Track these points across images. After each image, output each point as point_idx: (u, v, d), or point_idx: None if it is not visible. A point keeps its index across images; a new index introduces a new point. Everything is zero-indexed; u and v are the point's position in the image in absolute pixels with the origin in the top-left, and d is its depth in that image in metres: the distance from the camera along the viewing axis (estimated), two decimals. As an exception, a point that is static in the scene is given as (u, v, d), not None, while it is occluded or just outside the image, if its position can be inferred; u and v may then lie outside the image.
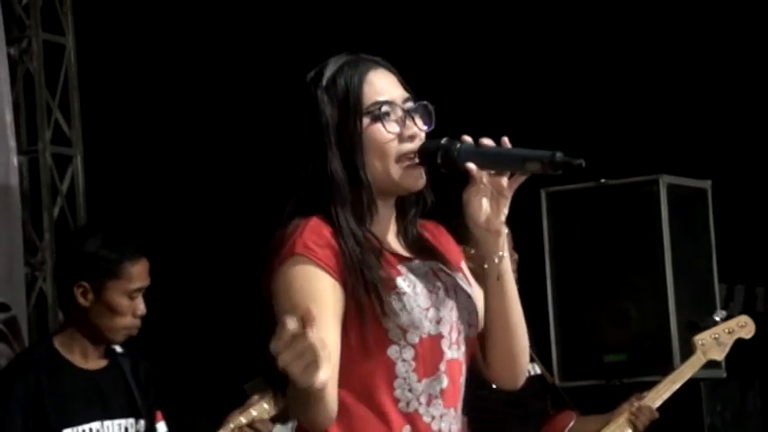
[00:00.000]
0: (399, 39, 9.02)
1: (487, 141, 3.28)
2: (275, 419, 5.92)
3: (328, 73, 3.30)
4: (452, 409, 3.33)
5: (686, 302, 7.74)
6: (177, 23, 10.10)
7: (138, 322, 5.03)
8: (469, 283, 3.45)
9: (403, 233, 3.39)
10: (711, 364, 6.56)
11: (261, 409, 5.13)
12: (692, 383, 6.57)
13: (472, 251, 3.85)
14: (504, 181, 3.26)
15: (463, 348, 3.35)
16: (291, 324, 2.70)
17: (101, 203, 9.39)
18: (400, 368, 3.23)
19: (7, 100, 8.92)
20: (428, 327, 3.24)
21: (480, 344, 3.43)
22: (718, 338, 6.31)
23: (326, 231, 3.22)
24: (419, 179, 3.31)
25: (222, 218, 10.12)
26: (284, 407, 5.35)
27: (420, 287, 3.27)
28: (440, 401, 3.29)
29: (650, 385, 6.33)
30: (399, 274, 3.27)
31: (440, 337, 3.26)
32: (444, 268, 3.38)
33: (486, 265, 3.33)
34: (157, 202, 10.09)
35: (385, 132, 3.28)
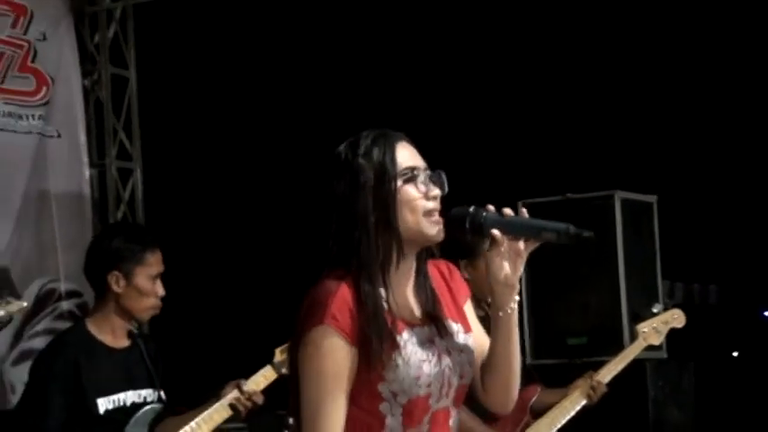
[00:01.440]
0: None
1: (509, 211, 3.24)
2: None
3: (364, 144, 3.26)
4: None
5: (635, 296, 7.75)
6: (222, 62, 10.09)
7: (159, 303, 5.01)
8: (468, 330, 3.37)
9: (416, 288, 3.31)
10: (655, 348, 6.51)
11: (257, 379, 5.11)
12: (638, 363, 6.58)
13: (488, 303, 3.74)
14: (521, 245, 3.21)
15: (453, 396, 3.28)
16: None
17: (155, 208, 9.41)
18: (390, 421, 3.18)
19: (82, 123, 9.01)
20: (416, 390, 3.18)
21: (481, 374, 3.37)
22: (656, 327, 6.28)
23: (351, 298, 3.16)
24: (441, 232, 3.26)
25: (247, 223, 10.11)
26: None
27: (417, 356, 3.20)
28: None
29: (605, 364, 6.28)
30: (400, 345, 3.19)
31: (428, 396, 3.20)
32: (443, 328, 3.30)
33: (500, 313, 3.26)
34: (200, 206, 10.10)
35: (416, 191, 3.23)
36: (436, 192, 3.25)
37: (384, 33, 10.15)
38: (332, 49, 10.15)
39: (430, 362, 3.20)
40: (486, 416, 5.28)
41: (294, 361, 3.18)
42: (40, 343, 8.46)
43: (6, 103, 8.42)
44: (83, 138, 8.98)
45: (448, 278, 3.42)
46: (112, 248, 4.93)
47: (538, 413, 6.01)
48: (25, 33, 8.59)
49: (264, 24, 10.11)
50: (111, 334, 4.95)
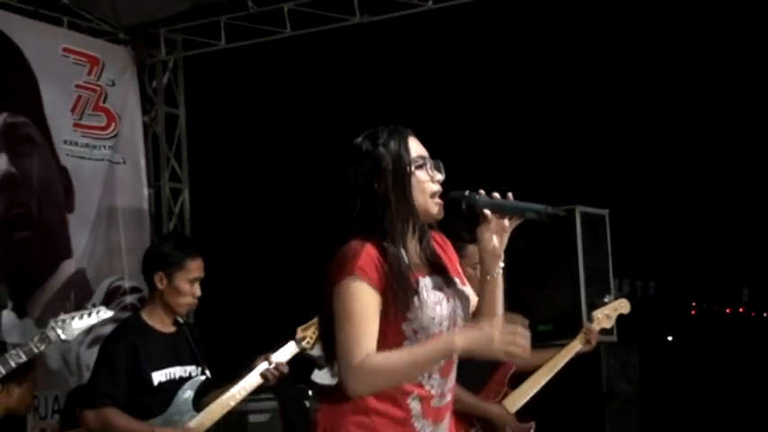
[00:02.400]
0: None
1: (497, 195, 3.30)
2: (316, 366, 5.89)
3: (383, 136, 3.31)
4: (445, 379, 3.30)
5: (592, 291, 7.73)
6: (254, 105, 10.17)
7: (195, 301, 5.03)
8: (464, 283, 3.41)
9: (422, 250, 3.35)
10: (607, 332, 6.52)
11: (282, 353, 5.12)
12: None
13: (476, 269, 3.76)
14: (506, 222, 3.28)
15: None
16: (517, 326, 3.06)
17: (200, 221, 9.45)
18: None
19: (142, 152, 9.05)
20: (433, 328, 3.21)
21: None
22: (608, 314, 6.27)
23: (376, 255, 3.19)
24: (441, 212, 3.33)
25: (271, 231, 10.14)
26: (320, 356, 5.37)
27: (432, 299, 3.24)
28: (437, 374, 3.26)
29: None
30: (418, 290, 3.23)
31: (440, 333, 3.22)
32: (449, 279, 3.35)
33: (487, 277, 3.31)
34: (235, 218, 10.16)
35: (427, 176, 3.31)
36: (440, 176, 3.32)
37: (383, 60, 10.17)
38: (348, 76, 10.16)
39: (441, 304, 3.25)
40: (472, 387, 5.31)
41: (328, 310, 3.17)
42: (108, 330, 8.48)
43: (84, 136, 8.49)
44: (143, 164, 9.02)
45: (443, 245, 3.46)
46: (161, 253, 5.00)
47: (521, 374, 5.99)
48: (98, 80, 8.64)
49: (288, 66, 10.19)
50: (160, 321, 5.01)
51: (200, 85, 9.59)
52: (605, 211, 8.11)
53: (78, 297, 8.23)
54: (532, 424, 5.94)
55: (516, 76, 9.81)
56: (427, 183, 3.31)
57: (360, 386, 3.12)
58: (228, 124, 10.31)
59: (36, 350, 4.21)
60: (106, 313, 4.38)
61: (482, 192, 3.32)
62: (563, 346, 6.35)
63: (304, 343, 5.18)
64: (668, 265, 13.96)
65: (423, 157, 3.32)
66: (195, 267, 4.98)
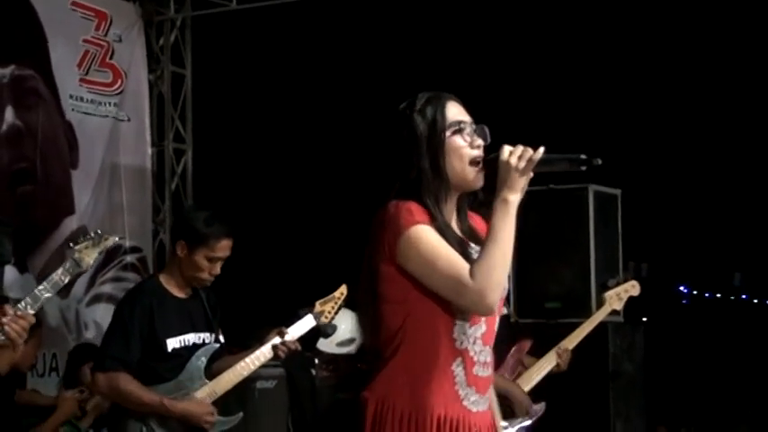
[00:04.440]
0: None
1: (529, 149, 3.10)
2: (322, 334, 5.74)
3: (420, 102, 3.18)
4: (488, 347, 3.17)
5: (601, 270, 7.65)
6: (261, 67, 10.01)
7: (210, 279, 4.84)
8: None
9: (459, 222, 3.22)
10: (614, 313, 6.45)
11: (300, 325, 5.02)
12: (601, 326, 6.45)
13: None
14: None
15: (498, 303, 3.15)
16: None
17: (202, 182, 9.30)
18: (459, 318, 3.08)
19: (146, 111, 8.93)
20: None
21: None
22: (619, 295, 6.24)
23: (424, 212, 3.08)
24: (481, 179, 3.15)
25: (281, 192, 10.03)
26: (325, 324, 5.25)
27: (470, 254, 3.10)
28: (480, 341, 3.13)
29: (574, 325, 6.24)
30: (468, 250, 3.10)
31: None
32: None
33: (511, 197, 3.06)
34: (239, 179, 10.05)
35: (462, 141, 3.15)
36: (480, 142, 3.16)
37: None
38: (360, 47, 10.03)
39: None
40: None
41: (373, 268, 3.07)
42: (107, 288, 8.41)
43: (89, 92, 8.36)
44: (147, 122, 8.90)
45: (479, 224, 3.27)
46: (190, 223, 4.81)
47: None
48: (105, 35, 8.52)
49: (297, 31, 10.03)
50: (177, 286, 4.85)
51: (207, 46, 9.40)
52: (618, 191, 7.98)
53: (81, 254, 8.06)
54: (543, 405, 5.89)
55: (532, 51, 9.68)
56: (465, 149, 3.14)
57: (488, 296, 2.97)
58: (235, 87, 10.14)
59: (61, 283, 4.07)
60: (113, 238, 4.21)
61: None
62: (571, 324, 6.29)
63: (322, 318, 5.06)
64: (661, 247, 13.91)
65: (459, 122, 3.17)
66: (219, 248, 4.80)
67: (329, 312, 5.13)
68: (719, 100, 11.69)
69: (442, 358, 3.07)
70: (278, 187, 10.24)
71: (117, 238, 4.49)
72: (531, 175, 3.08)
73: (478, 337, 3.12)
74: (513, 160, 3.03)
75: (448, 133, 3.14)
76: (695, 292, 16.44)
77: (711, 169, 12.93)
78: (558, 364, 5.99)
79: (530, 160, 3.03)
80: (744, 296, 16.17)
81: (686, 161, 12.50)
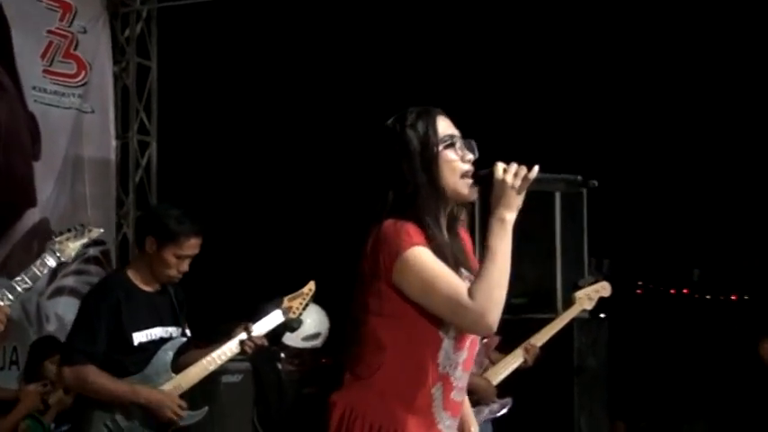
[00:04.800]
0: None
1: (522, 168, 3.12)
2: (288, 328, 5.70)
3: (411, 117, 3.18)
4: (466, 373, 3.21)
5: (567, 266, 7.66)
6: (227, 59, 9.95)
7: (179, 276, 4.83)
8: None
9: (450, 238, 3.20)
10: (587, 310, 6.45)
11: (267, 321, 5.01)
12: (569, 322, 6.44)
13: None
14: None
15: None
16: None
17: (167, 175, 9.22)
18: (446, 343, 3.10)
19: (111, 103, 8.85)
20: None
21: None
22: (589, 295, 6.25)
23: (421, 233, 3.07)
24: (475, 193, 3.17)
25: (247, 183, 9.98)
26: (291, 319, 5.22)
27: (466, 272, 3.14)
28: (461, 367, 3.16)
29: (540, 321, 6.24)
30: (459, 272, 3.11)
31: None
32: (470, 272, 3.18)
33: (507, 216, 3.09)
34: (203, 173, 10.00)
35: (454, 155, 3.16)
36: (470, 156, 3.17)
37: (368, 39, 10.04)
38: (331, 41, 9.98)
39: None
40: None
41: (397, 290, 3.04)
42: (70, 281, 8.31)
43: (53, 83, 8.25)
44: (111, 114, 8.81)
45: (465, 239, 3.29)
46: (160, 219, 4.78)
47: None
48: (70, 26, 8.42)
49: (265, 23, 9.96)
50: (145, 281, 4.82)
51: (173, 38, 9.29)
52: (584, 188, 7.93)
53: (41, 247, 7.85)
54: (509, 400, 5.90)
55: (500, 55, 9.69)
56: (456, 162, 3.15)
57: (489, 316, 2.98)
58: (201, 80, 10.04)
59: (40, 274, 4.03)
60: (97, 230, 4.15)
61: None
62: (536, 320, 6.29)
63: (290, 313, 5.04)
64: (621, 243, 13.99)
65: (451, 136, 3.18)
66: (188, 246, 4.78)
67: (297, 308, 5.14)
68: (680, 100, 11.77)
69: (423, 380, 3.10)
70: (244, 180, 10.18)
71: (101, 230, 4.45)
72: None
73: (460, 363, 3.15)
74: (509, 178, 3.05)
75: (440, 147, 3.14)
76: (653, 289, 16.56)
77: (673, 166, 13.01)
78: (525, 360, 5.97)
79: (525, 179, 3.05)
80: (702, 292, 16.31)
81: (649, 157, 12.57)
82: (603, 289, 6.31)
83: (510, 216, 3.04)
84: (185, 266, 4.80)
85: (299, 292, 5.17)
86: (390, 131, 3.18)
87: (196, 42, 9.93)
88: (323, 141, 10.21)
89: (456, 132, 3.19)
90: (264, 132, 10.32)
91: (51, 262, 4.22)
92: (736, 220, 13.64)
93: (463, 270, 3.13)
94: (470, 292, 2.96)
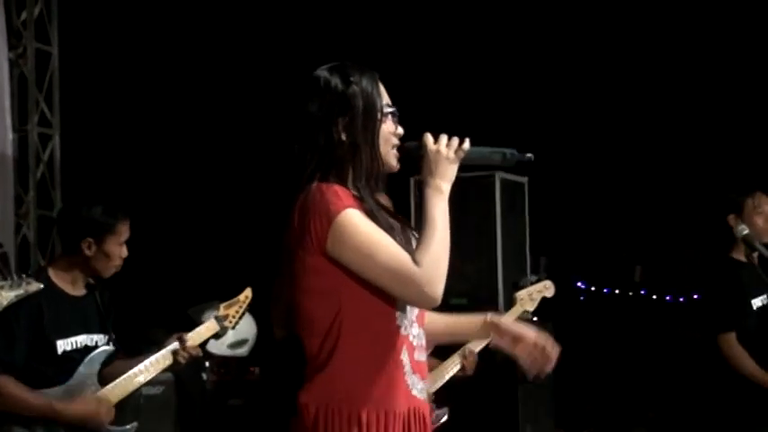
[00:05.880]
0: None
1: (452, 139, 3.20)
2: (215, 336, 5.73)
3: (354, 73, 3.17)
4: (422, 329, 3.21)
5: (508, 263, 7.74)
6: (135, 42, 9.89)
7: (122, 263, 4.92)
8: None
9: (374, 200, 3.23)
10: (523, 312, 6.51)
11: (200, 330, 5.03)
12: (509, 323, 6.52)
13: None
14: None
15: None
16: None
17: (71, 170, 9.15)
18: (399, 303, 3.10)
19: (7, 92, 8.72)
20: None
21: None
22: (531, 295, 6.24)
23: (350, 194, 3.09)
24: (398, 165, 3.22)
25: (159, 182, 9.94)
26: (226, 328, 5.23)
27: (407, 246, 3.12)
28: (416, 323, 3.17)
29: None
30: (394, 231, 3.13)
31: None
32: (403, 224, 3.23)
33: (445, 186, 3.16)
34: (110, 168, 9.95)
35: (393, 126, 3.21)
36: (401, 130, 3.23)
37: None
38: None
39: (411, 244, 3.14)
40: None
41: (331, 259, 3.03)
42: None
43: (-60, 71, 8.15)
44: (7, 104, 8.67)
45: (387, 202, 3.33)
46: (90, 218, 4.83)
47: None
48: (-43, 8, 8.32)
49: (176, 5, 9.93)
50: (71, 284, 4.86)
51: (77, 21, 9.21)
52: (524, 179, 8.09)
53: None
54: (446, 410, 5.94)
55: (443, 37, 9.77)
56: (392, 134, 3.21)
57: (435, 285, 3.01)
58: (108, 66, 9.98)
59: None
60: (37, 285, 4.15)
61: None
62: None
63: (226, 322, 5.06)
64: (558, 239, 14.16)
65: (390, 106, 3.22)
66: (125, 230, 4.90)
67: (233, 317, 5.14)
68: (623, 93, 11.98)
69: (390, 348, 3.08)
70: (157, 175, 10.13)
71: (41, 286, 4.42)
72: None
73: (414, 320, 3.15)
74: (443, 148, 3.12)
75: (383, 114, 3.18)
76: (593, 288, 16.77)
77: (614, 161, 13.22)
78: (462, 367, 5.98)
79: (459, 150, 3.14)
80: (643, 291, 16.55)
81: (591, 149, 12.76)
82: (546, 289, 6.29)
83: (446, 186, 3.10)
84: (125, 251, 4.89)
85: (235, 299, 5.17)
86: (326, 83, 3.16)
87: (102, 26, 9.86)
88: (245, 128, 10.20)
89: (390, 101, 3.23)
90: (178, 120, 10.28)
91: None
92: (677, 214, 13.89)
93: (396, 230, 3.13)
94: (416, 260, 2.98)
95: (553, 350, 3.26)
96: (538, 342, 3.28)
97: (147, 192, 9.89)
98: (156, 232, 9.18)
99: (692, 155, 12.68)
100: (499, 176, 7.74)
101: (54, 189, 9.02)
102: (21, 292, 4.12)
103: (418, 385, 3.15)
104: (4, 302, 4.07)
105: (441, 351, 6.11)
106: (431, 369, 5.96)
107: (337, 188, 3.06)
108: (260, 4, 9.91)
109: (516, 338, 3.32)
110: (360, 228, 3.02)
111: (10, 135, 8.72)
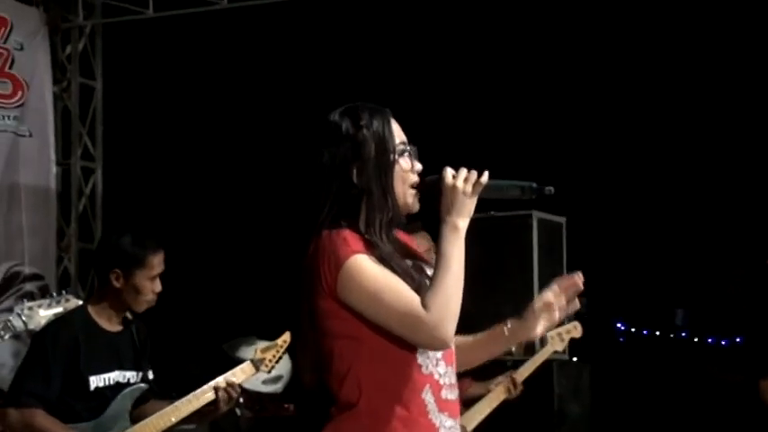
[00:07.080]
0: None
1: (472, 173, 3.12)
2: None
3: (365, 115, 3.12)
4: (451, 367, 3.15)
5: (545, 305, 7.65)
6: (176, 78, 9.96)
7: (155, 297, 4.84)
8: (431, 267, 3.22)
9: (390, 241, 3.16)
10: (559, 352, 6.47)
11: (236, 372, 4.95)
12: (546, 364, 6.46)
13: None
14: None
15: None
16: None
17: (112, 204, 9.22)
18: (420, 355, 3.06)
19: (51, 125, 8.82)
20: None
21: None
22: (561, 335, 6.24)
23: (359, 240, 3.04)
24: (417, 204, 3.18)
25: (201, 218, 9.97)
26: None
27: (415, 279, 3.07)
28: (443, 362, 3.11)
29: (515, 362, 6.28)
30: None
31: None
32: (421, 264, 3.18)
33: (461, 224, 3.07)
34: (154, 204, 9.99)
35: (409, 165, 3.15)
36: (419, 166, 3.17)
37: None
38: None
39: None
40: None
41: (343, 304, 3.00)
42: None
43: (-14, 104, 8.25)
44: (51, 138, 8.79)
45: (408, 240, 3.29)
46: (119, 249, 4.76)
47: (464, 403, 5.97)
48: (5, 42, 8.42)
49: (216, 41, 9.98)
50: (108, 320, 4.80)
51: (120, 55, 9.28)
52: (563, 219, 8.02)
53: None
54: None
55: (475, 70, 9.75)
56: (408, 173, 3.15)
57: (445, 328, 2.96)
58: (150, 100, 10.05)
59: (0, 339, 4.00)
60: (76, 302, 4.12)
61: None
62: (514, 361, 6.32)
63: (262, 366, 4.99)
64: (597, 280, 14.06)
65: (404, 143, 3.17)
66: (157, 263, 4.79)
67: (270, 361, 5.02)
68: (666, 134, 11.92)
69: (410, 389, 3.05)
70: (199, 209, 10.15)
71: (80, 302, 4.38)
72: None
73: (440, 359, 3.10)
74: (460, 183, 3.06)
75: (396, 155, 3.12)
76: (633, 329, 16.64)
77: (655, 201, 13.15)
78: (508, 391, 6.00)
79: (477, 184, 3.07)
80: (684, 334, 16.40)
81: (631, 189, 12.71)
82: (575, 329, 6.31)
83: (463, 223, 3.03)
84: (159, 286, 4.81)
85: (273, 343, 5.06)
86: (337, 128, 3.12)
87: (144, 60, 9.94)
88: (283, 163, 10.22)
89: (405, 138, 3.18)
90: (219, 154, 10.31)
91: (17, 326, 4.19)
92: (719, 256, 13.78)
93: (421, 267, 3.11)
94: (425, 304, 2.94)
95: (575, 278, 3.38)
96: (556, 292, 3.39)
97: (186, 226, 9.90)
98: (192, 266, 9.21)
99: (734, 198, 12.60)
100: (536, 216, 7.67)
101: (95, 222, 9.08)
102: (60, 309, 4.11)
103: (447, 423, 3.11)
104: (42, 321, 4.05)
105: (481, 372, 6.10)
106: (474, 394, 5.96)
107: (347, 234, 3.04)
108: (290, 45, 9.95)
109: (544, 308, 3.42)
110: (366, 273, 2.99)
111: (53, 168, 8.83)
